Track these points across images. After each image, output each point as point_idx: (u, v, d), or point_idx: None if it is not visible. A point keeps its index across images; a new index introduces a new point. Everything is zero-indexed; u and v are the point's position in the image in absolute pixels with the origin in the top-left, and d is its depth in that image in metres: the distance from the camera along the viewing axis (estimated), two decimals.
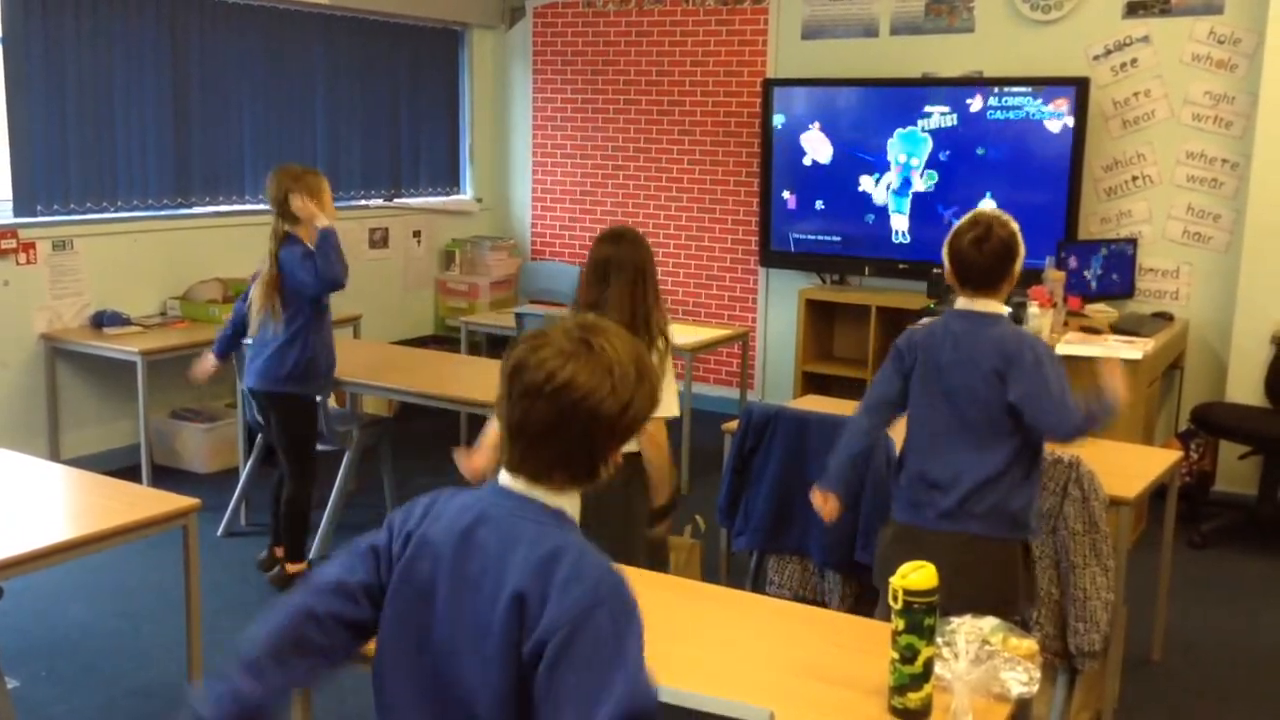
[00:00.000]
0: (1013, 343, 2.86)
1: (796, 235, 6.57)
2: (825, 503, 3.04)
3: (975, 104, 5.96)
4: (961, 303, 2.95)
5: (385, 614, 1.68)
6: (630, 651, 1.51)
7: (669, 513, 3.32)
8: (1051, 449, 3.09)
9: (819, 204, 6.46)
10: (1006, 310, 2.97)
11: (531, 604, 1.53)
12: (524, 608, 1.54)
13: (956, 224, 2.97)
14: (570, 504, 1.65)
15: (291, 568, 4.40)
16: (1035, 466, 2.94)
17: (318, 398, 4.48)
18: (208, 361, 4.54)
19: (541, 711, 1.51)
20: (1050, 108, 5.78)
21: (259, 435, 4.87)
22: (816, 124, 6.41)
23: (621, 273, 3.21)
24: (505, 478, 1.66)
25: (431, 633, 1.64)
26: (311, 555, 4.63)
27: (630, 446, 3.39)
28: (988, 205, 2.91)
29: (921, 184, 6.17)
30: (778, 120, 6.49)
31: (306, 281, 4.20)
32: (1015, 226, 2.94)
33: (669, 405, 3.04)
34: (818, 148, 6.42)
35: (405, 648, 1.67)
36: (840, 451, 3.04)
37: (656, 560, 3.39)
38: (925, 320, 3.08)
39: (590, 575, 1.54)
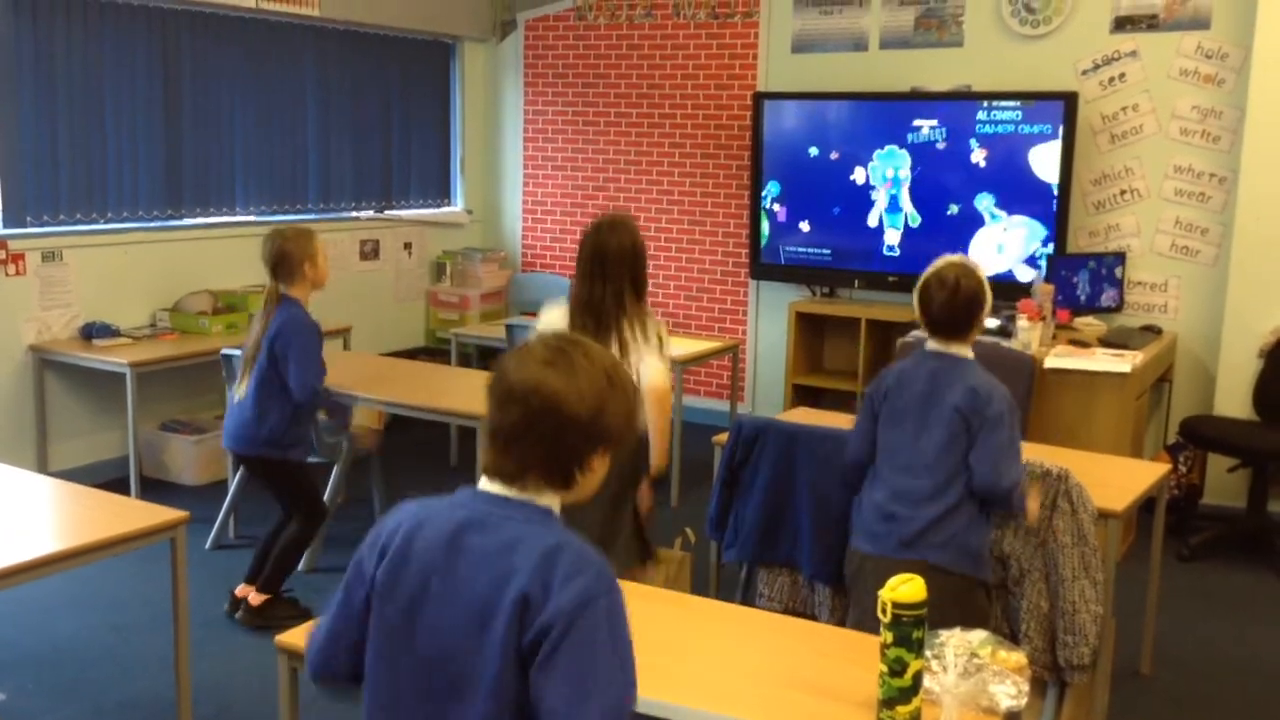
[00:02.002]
0: (983, 390, 2.98)
1: (787, 248, 6.58)
2: None
3: (964, 118, 5.99)
4: (932, 345, 3.10)
5: (372, 630, 1.71)
6: (622, 643, 1.59)
7: (656, 480, 3.46)
8: (1037, 458, 3.14)
9: (804, 225, 6.47)
10: (972, 355, 3.09)
11: (535, 600, 1.57)
12: (527, 606, 1.58)
13: (925, 273, 3.10)
14: (552, 504, 1.69)
15: (257, 598, 4.21)
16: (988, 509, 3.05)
17: (301, 461, 4.35)
18: None
19: (536, 693, 1.57)
20: (1039, 122, 5.80)
21: None
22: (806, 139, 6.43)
23: (621, 258, 3.35)
24: (484, 482, 1.70)
25: (420, 641, 1.66)
26: (301, 568, 4.62)
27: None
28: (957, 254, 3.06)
29: (911, 197, 6.19)
30: (768, 132, 6.51)
31: (293, 376, 4.07)
32: (981, 274, 3.08)
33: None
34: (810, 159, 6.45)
35: (394, 659, 1.68)
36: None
37: (640, 539, 3.45)
38: (897, 363, 3.20)
39: (589, 569, 1.60)
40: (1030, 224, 5.85)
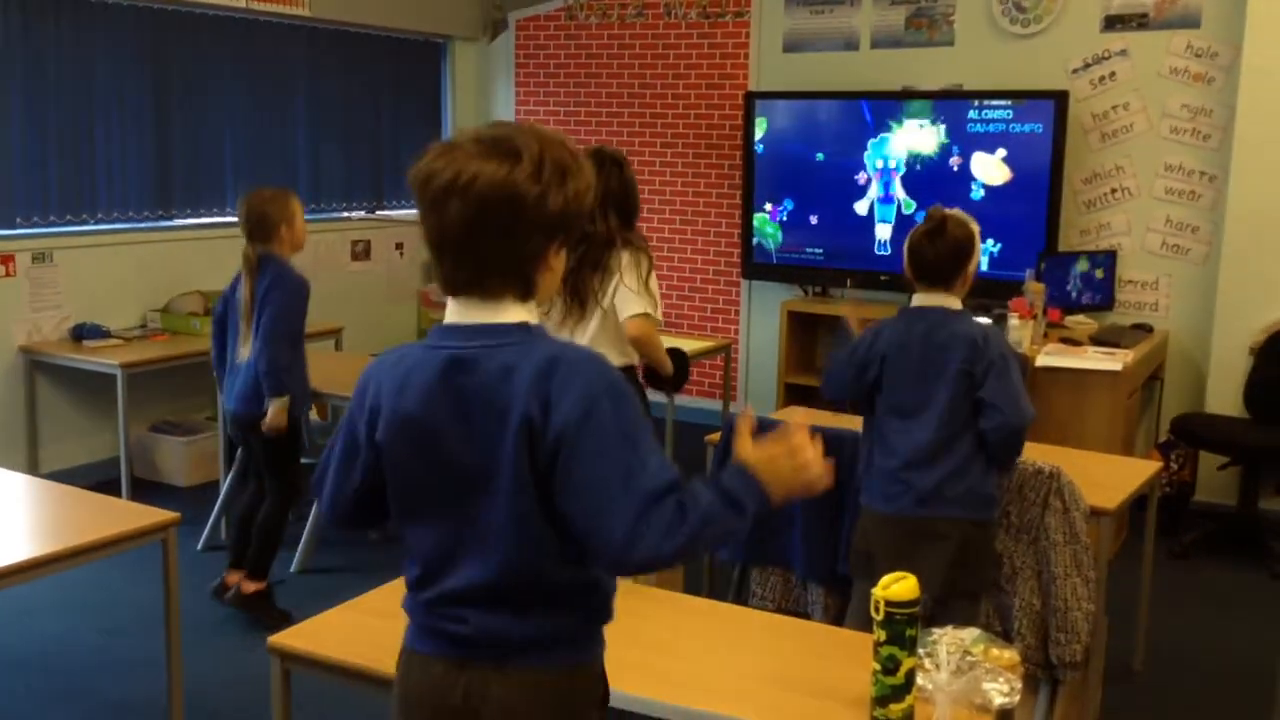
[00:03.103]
0: (979, 338, 2.94)
1: (766, 239, 6.58)
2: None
3: (955, 117, 5.99)
4: (917, 299, 3.04)
5: (389, 475, 1.68)
6: (634, 434, 1.55)
7: (682, 382, 3.62)
8: (1028, 456, 3.13)
9: (796, 224, 6.47)
10: (960, 306, 3.03)
11: (537, 422, 1.54)
12: (532, 426, 1.55)
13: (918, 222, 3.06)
14: (527, 314, 1.62)
15: (250, 586, 4.22)
16: None
17: (298, 415, 4.38)
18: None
19: (566, 509, 1.55)
20: (1030, 121, 5.81)
21: (239, 448, 4.83)
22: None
23: (605, 202, 3.35)
24: (449, 310, 1.63)
25: (439, 476, 1.63)
26: (293, 568, 4.61)
27: (622, 359, 3.50)
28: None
29: (903, 195, 6.19)
30: (759, 132, 6.51)
31: (267, 319, 4.07)
32: (975, 227, 3.03)
33: (655, 307, 3.42)
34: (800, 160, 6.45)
35: (416, 494, 1.67)
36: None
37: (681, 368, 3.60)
38: (884, 323, 3.13)
39: (584, 372, 1.56)
40: (1021, 222, 5.85)
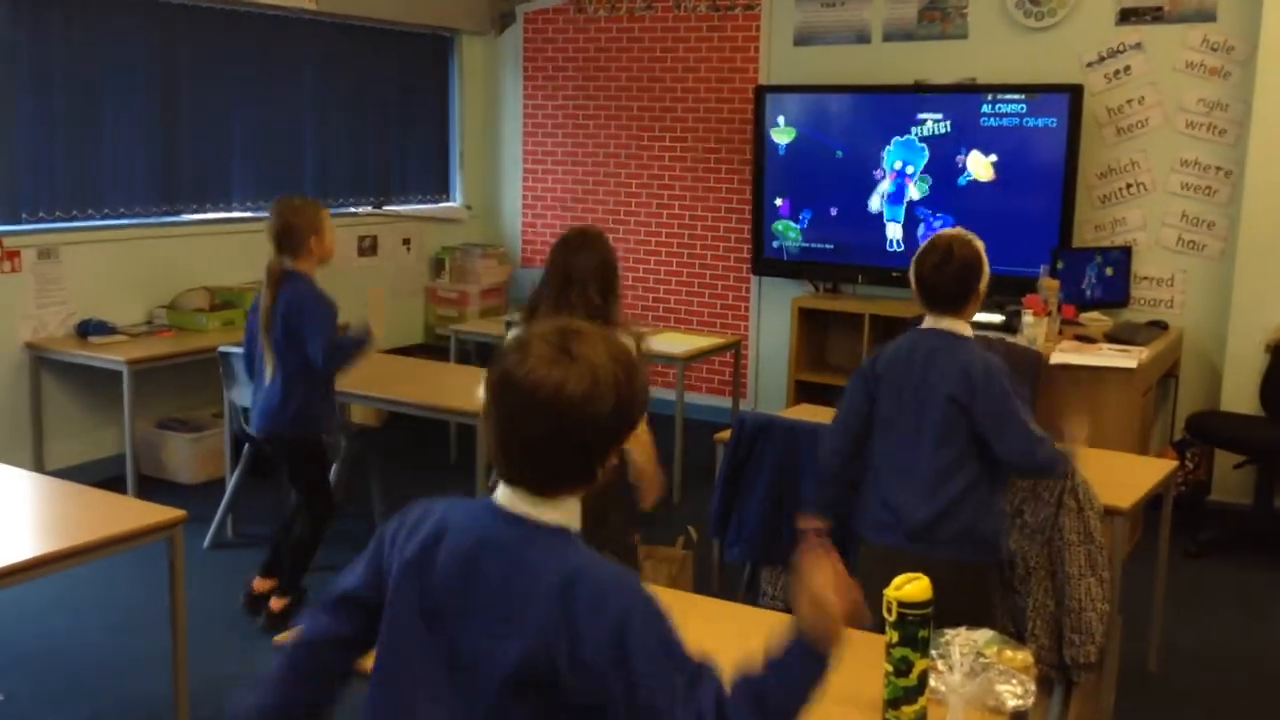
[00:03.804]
0: (976, 370, 2.87)
1: (789, 243, 6.54)
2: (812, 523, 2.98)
3: (969, 111, 5.95)
4: (928, 322, 3.00)
5: (383, 630, 1.66)
6: (671, 643, 1.52)
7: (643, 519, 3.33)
8: None
9: (807, 220, 6.43)
10: (968, 331, 2.99)
11: (558, 647, 1.51)
12: (549, 644, 1.51)
13: (921, 247, 3.00)
14: (571, 517, 1.62)
15: (277, 603, 4.17)
16: (1000, 490, 2.97)
17: (327, 436, 4.31)
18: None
19: None
20: (1044, 115, 5.76)
21: (245, 446, 4.82)
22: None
23: (590, 277, 3.21)
24: (503, 494, 1.62)
25: (436, 645, 1.61)
26: None
27: None
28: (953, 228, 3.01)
29: (916, 192, 6.15)
30: (772, 126, 6.47)
31: (312, 345, 3.98)
32: (979, 245, 2.98)
33: None
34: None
35: (404, 663, 1.64)
36: (819, 477, 3.11)
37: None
38: (892, 343, 3.09)
39: (611, 586, 1.54)
40: (1036, 218, 5.81)
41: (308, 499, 4.26)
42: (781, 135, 6.45)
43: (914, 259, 3.00)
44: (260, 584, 4.28)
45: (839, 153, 6.32)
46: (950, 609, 2.75)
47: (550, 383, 1.54)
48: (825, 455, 3.12)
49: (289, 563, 4.23)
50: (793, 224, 6.50)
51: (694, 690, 1.50)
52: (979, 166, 5.93)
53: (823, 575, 1.58)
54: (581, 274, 3.22)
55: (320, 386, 4.15)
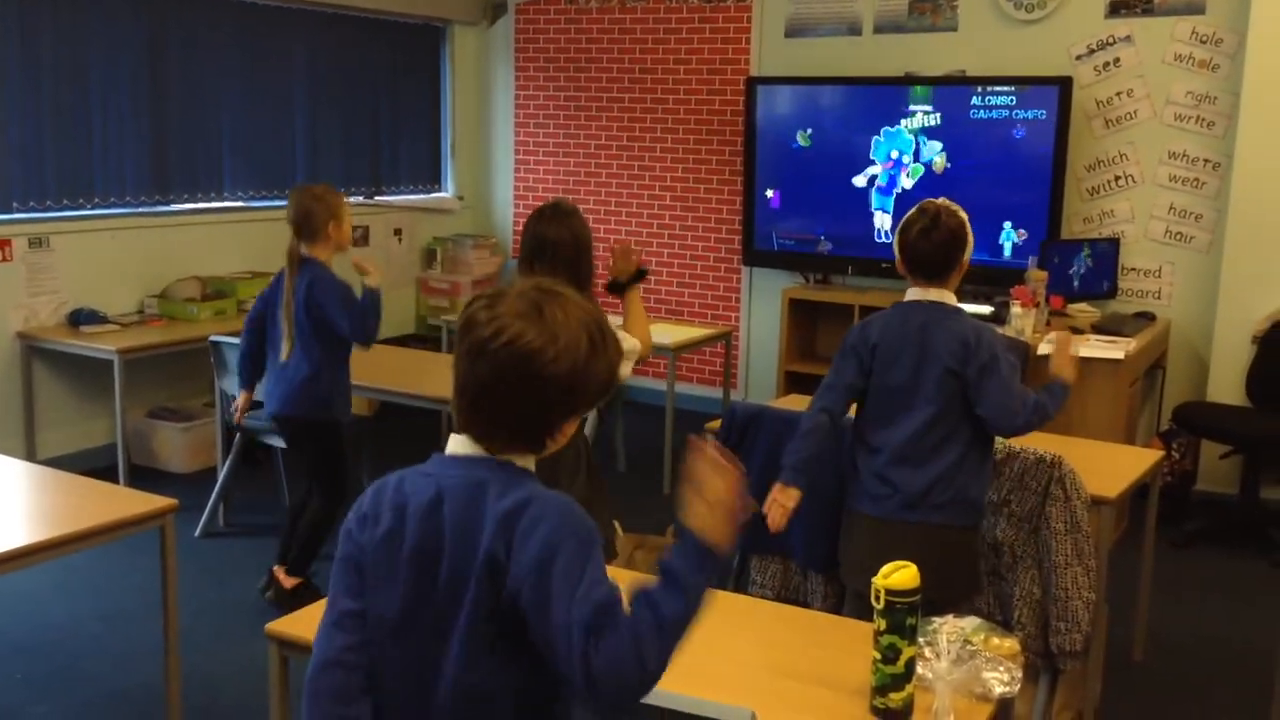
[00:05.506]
0: (971, 338, 2.91)
1: (780, 235, 6.56)
2: (783, 497, 2.98)
3: (958, 103, 5.96)
4: (913, 293, 3.00)
5: (379, 599, 1.66)
6: (591, 571, 1.52)
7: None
8: (1029, 445, 3.12)
9: (797, 211, 6.45)
10: (956, 301, 3.00)
11: (499, 560, 1.54)
12: (494, 566, 1.55)
13: (906, 215, 3.01)
14: (521, 459, 1.64)
15: (288, 581, 4.20)
16: (989, 454, 3.01)
17: (342, 420, 4.30)
18: (241, 399, 4.39)
19: (541, 647, 1.54)
20: (1033, 107, 5.78)
21: (238, 435, 4.82)
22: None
23: (559, 250, 3.20)
24: (453, 442, 1.65)
25: (404, 611, 1.63)
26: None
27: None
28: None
29: (907, 183, 6.17)
30: (761, 118, 6.48)
31: (342, 326, 4.04)
32: (964, 216, 3.00)
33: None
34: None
35: (386, 629, 1.66)
36: (801, 427, 3.03)
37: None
38: (875, 315, 3.08)
39: (550, 518, 1.55)
40: (1024, 210, 5.83)
41: (323, 481, 4.26)
42: (804, 139, 6.47)
43: (899, 227, 3.00)
44: (279, 572, 4.28)
45: (824, 143, 6.32)
46: (943, 572, 2.80)
47: (510, 331, 1.56)
48: (813, 410, 3.06)
49: (299, 544, 4.24)
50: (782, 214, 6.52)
51: (587, 601, 1.50)
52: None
53: (722, 480, 1.56)
54: (551, 245, 3.20)
55: (338, 368, 4.18)
